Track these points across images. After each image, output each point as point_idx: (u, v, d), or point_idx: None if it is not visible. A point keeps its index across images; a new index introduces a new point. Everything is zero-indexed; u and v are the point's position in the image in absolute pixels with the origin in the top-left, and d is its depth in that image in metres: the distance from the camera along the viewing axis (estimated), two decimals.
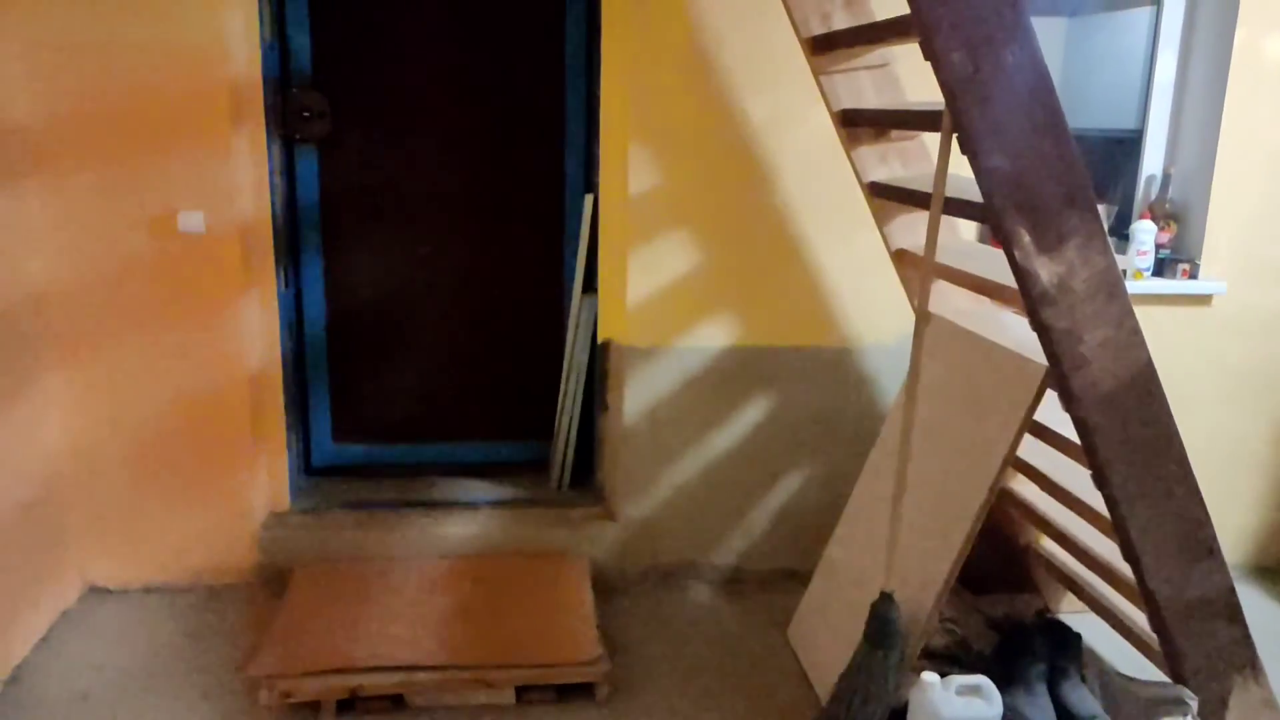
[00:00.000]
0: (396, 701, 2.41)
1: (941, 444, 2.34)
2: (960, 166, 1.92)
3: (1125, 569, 2.19)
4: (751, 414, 3.00)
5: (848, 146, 2.48)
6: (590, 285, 3.13)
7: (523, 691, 2.44)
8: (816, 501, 3.06)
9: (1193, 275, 3.03)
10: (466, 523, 3.01)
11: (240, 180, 2.74)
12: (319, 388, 3.26)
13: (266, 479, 3.01)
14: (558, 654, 2.49)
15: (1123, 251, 3.05)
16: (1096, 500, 2.13)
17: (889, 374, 3.00)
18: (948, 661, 2.57)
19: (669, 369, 2.94)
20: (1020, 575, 2.96)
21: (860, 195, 2.55)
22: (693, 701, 2.49)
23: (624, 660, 2.64)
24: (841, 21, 2.40)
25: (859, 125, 2.44)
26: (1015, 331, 2.32)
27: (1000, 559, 2.92)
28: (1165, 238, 3.08)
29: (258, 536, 2.94)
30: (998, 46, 1.80)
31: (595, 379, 3.17)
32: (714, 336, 2.93)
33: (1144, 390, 1.98)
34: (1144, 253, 3.02)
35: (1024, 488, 2.67)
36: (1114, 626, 2.46)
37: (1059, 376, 1.97)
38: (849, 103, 2.44)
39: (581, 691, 2.47)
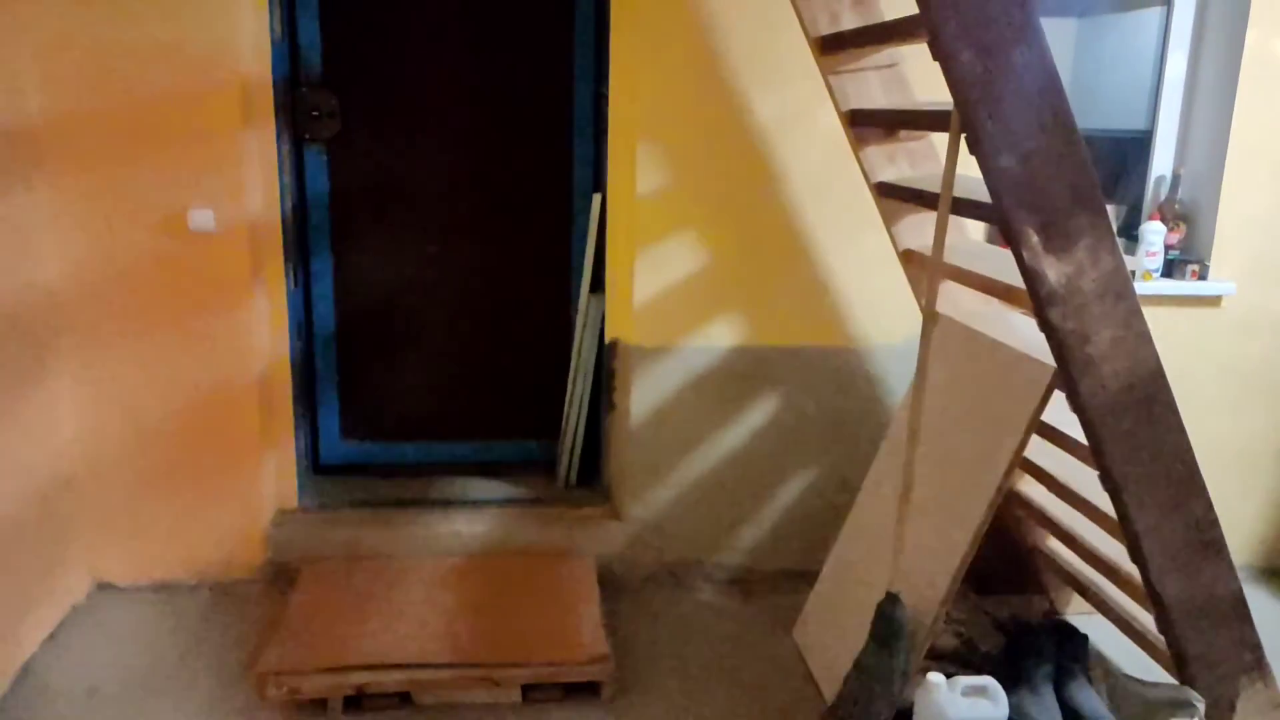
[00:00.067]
0: (403, 699, 2.41)
1: (949, 445, 2.33)
2: (969, 167, 1.92)
3: (1132, 570, 2.18)
4: (758, 414, 3.01)
5: (856, 146, 2.48)
6: (598, 284, 3.13)
7: (529, 690, 2.45)
8: (823, 501, 3.06)
9: (1202, 276, 3.02)
10: (473, 521, 3.01)
11: (250, 179, 2.75)
12: (327, 386, 3.27)
13: (275, 477, 3.02)
14: (564, 653, 2.49)
15: (1132, 252, 3.04)
16: (1103, 501, 2.13)
17: (896, 374, 3.00)
18: (954, 662, 2.57)
19: (676, 368, 2.94)
20: (1027, 576, 2.95)
21: (868, 195, 2.55)
22: (698, 701, 2.49)
23: (630, 660, 2.64)
24: (850, 21, 2.40)
25: (867, 125, 2.44)
26: (1023, 332, 2.31)
27: (1007, 560, 2.91)
28: (1174, 238, 3.07)
29: (266, 534, 2.95)
30: (1007, 47, 1.80)
31: (602, 378, 3.17)
32: (721, 336, 2.94)
33: (1152, 391, 1.97)
34: (1153, 253, 3.01)
35: (1031, 488, 2.66)
36: (1121, 628, 2.46)
37: (1067, 377, 1.96)
38: (857, 103, 2.44)
39: (587, 690, 2.47)
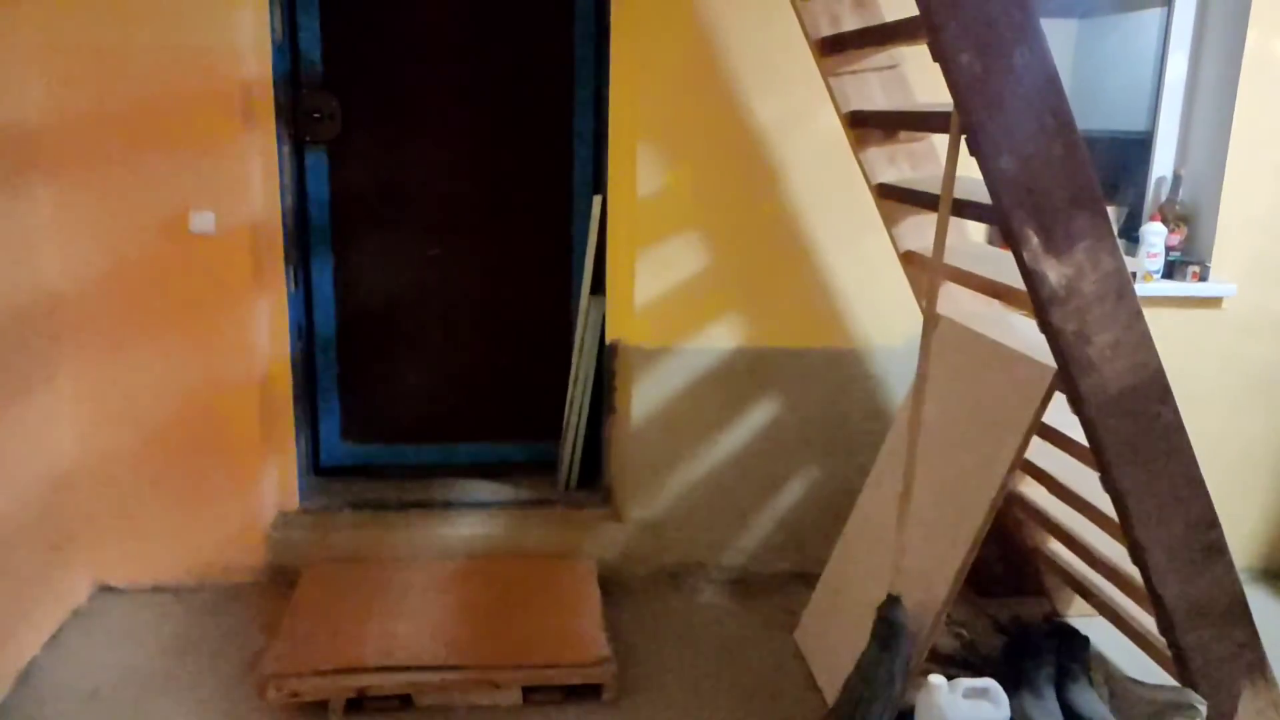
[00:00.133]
0: (404, 701, 2.41)
1: (949, 446, 2.33)
2: (969, 168, 1.92)
3: (1133, 572, 2.18)
4: (759, 415, 3.00)
5: (856, 148, 2.48)
6: (598, 286, 3.13)
7: (529, 692, 2.45)
8: (824, 503, 3.06)
9: (1203, 277, 3.02)
10: (474, 523, 3.01)
11: (251, 181, 2.75)
12: (328, 388, 3.27)
13: (275, 479, 3.02)
14: (565, 655, 2.49)
15: (1132, 253, 3.04)
16: (1104, 503, 2.12)
17: (897, 376, 3.00)
18: (955, 664, 2.57)
19: (676, 370, 2.94)
20: (1028, 578, 2.95)
21: (868, 197, 2.55)
22: (699, 703, 2.49)
23: (631, 661, 2.64)
24: (850, 23, 2.40)
25: (868, 126, 2.44)
26: (1023, 333, 2.31)
27: (1008, 562, 2.91)
28: (1175, 240, 3.07)
29: (266, 536, 2.95)
30: (1007, 48, 1.79)
31: (603, 380, 3.17)
32: (722, 337, 2.93)
33: (1153, 392, 1.97)
34: (1154, 255, 3.01)
35: (1032, 490, 2.66)
36: (1122, 630, 2.45)
37: (1067, 379, 1.96)
38: (858, 104, 2.44)
39: (588, 692, 2.47)
